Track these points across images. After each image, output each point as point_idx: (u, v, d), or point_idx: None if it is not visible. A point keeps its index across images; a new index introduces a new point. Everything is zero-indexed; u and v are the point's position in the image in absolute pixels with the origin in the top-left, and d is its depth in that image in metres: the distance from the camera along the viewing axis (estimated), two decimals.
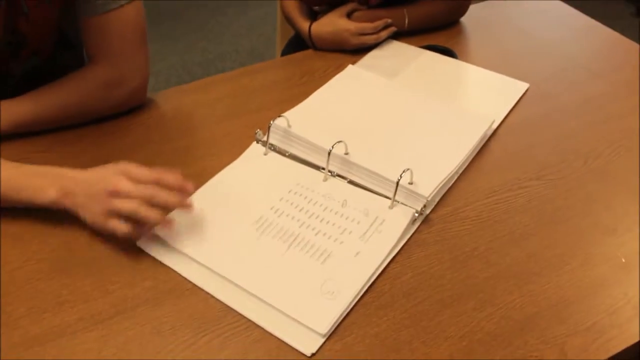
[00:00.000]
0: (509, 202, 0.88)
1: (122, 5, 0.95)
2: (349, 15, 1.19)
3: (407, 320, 0.72)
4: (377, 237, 0.80)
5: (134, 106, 1.04)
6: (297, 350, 0.68)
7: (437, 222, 0.84)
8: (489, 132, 0.99)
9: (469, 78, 1.14)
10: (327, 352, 0.68)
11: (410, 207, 0.83)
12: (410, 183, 0.84)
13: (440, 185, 0.86)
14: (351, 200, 0.85)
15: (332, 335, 0.70)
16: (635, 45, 1.23)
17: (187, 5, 3.00)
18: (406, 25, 1.20)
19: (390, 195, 0.84)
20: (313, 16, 1.26)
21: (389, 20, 1.17)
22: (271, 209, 0.84)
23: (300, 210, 0.84)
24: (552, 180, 0.91)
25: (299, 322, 0.70)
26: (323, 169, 0.90)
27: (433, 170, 0.87)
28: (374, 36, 1.17)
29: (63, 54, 1.09)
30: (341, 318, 0.71)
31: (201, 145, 0.98)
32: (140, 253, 0.79)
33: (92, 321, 0.72)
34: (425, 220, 0.84)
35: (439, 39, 1.22)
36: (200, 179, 0.89)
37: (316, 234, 0.80)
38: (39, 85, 0.98)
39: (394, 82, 1.09)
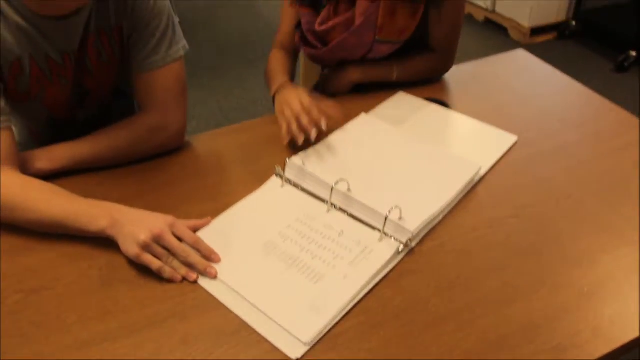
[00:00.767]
0: (489, 237, 0.91)
1: (168, 64, 1.02)
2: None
3: (395, 338, 0.75)
4: (364, 263, 0.83)
5: (173, 148, 1.10)
6: (285, 354, 0.72)
7: (426, 253, 0.88)
8: (477, 178, 1.02)
9: (465, 128, 1.17)
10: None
11: (397, 239, 0.87)
12: (400, 218, 0.87)
13: (427, 221, 0.89)
14: (347, 231, 0.89)
15: (326, 347, 0.73)
16: (604, 100, 1.26)
17: (224, 59, 3.10)
18: (395, 77, 1.25)
19: (381, 228, 0.88)
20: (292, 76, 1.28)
21: (323, 125, 1.03)
22: (279, 234, 0.89)
23: (303, 237, 0.88)
24: (528, 218, 0.94)
25: (289, 331, 0.74)
26: (327, 203, 0.94)
27: (422, 208, 0.90)
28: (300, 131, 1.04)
29: (117, 103, 1.17)
30: (325, 330, 0.75)
31: (228, 182, 1.03)
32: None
33: (129, 330, 0.76)
34: (415, 252, 0.88)
35: (439, 93, 1.26)
36: (226, 210, 0.95)
37: (313, 258, 0.85)
38: (97, 128, 1.05)
39: (399, 130, 1.13)
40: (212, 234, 0.88)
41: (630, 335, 0.75)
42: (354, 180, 0.94)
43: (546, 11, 3.14)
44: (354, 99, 1.23)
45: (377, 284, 0.82)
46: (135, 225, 0.84)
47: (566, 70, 2.43)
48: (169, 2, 1.03)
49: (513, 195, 0.99)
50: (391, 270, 0.84)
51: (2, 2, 0.89)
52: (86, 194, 0.91)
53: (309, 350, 0.73)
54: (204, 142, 1.15)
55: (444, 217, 0.94)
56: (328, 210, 0.94)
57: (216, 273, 0.83)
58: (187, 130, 1.11)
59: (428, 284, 0.83)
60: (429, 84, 1.30)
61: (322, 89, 1.31)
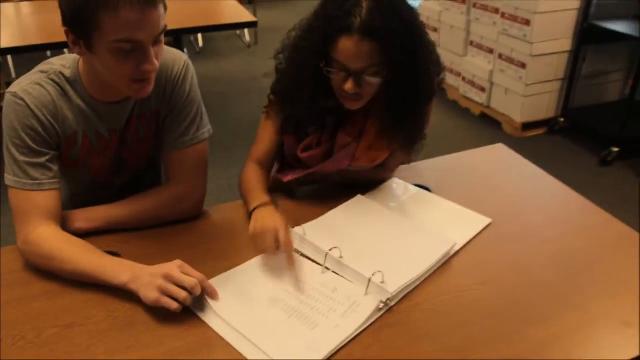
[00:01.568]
0: (458, 300, 1.06)
1: (195, 144, 1.23)
2: None
3: None
4: (353, 316, 0.99)
5: (193, 215, 1.28)
6: None
7: (403, 311, 1.03)
8: (452, 252, 1.19)
9: (445, 210, 1.34)
10: None
11: (379, 299, 1.03)
12: (382, 282, 1.04)
13: (405, 285, 1.06)
14: (339, 289, 1.06)
15: None
16: (568, 190, 1.44)
17: (234, 141, 3.36)
18: (336, 178, 1.36)
19: (365, 289, 1.05)
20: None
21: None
22: (281, 289, 1.05)
23: (302, 293, 1.05)
24: (493, 286, 1.10)
25: None
26: (323, 266, 1.11)
27: (402, 274, 1.07)
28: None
29: (148, 172, 1.36)
30: None
31: (238, 246, 1.20)
32: (185, 315, 1.00)
33: None
34: (394, 309, 1.03)
35: (425, 179, 1.45)
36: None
37: (310, 310, 1.01)
38: (130, 193, 1.23)
39: (388, 209, 1.31)
40: (223, 284, 1.05)
41: None
42: (345, 249, 1.12)
43: (536, 108, 3.41)
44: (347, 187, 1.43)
45: (360, 333, 0.98)
46: (152, 275, 1.00)
47: (554, 163, 2.67)
48: (199, 91, 1.25)
49: (482, 268, 1.16)
50: (372, 323, 1.00)
51: (69, 88, 1.12)
52: (113, 250, 1.09)
53: None
54: (219, 212, 1.33)
55: (421, 283, 1.10)
56: (323, 272, 1.11)
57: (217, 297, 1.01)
58: None
59: (403, 336, 0.98)
60: (416, 170, 1.50)
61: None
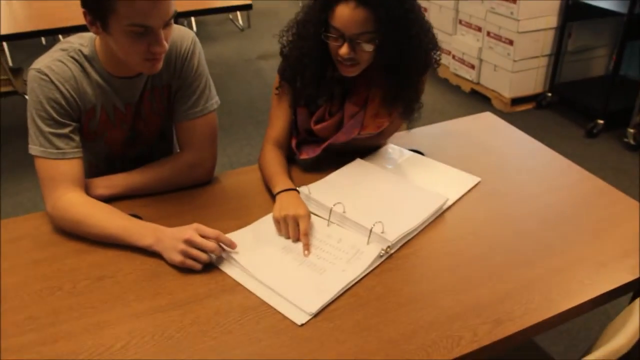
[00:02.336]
0: (452, 247, 1.17)
1: (204, 114, 1.32)
2: None
3: (376, 313, 1.01)
4: (356, 261, 1.11)
5: (205, 181, 1.38)
6: (294, 321, 0.99)
7: (402, 257, 1.14)
8: (445, 206, 1.30)
9: (438, 171, 1.45)
10: (320, 326, 0.98)
11: (380, 247, 1.14)
12: (382, 232, 1.15)
13: (404, 235, 1.17)
14: (344, 239, 1.17)
15: (325, 317, 0.99)
16: (554, 153, 1.55)
17: (234, 121, 3.45)
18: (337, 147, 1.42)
19: (367, 238, 1.16)
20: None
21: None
22: (293, 242, 1.16)
23: (312, 244, 1.16)
24: (482, 236, 1.21)
25: (297, 306, 1.00)
26: (328, 220, 1.22)
27: (400, 225, 1.18)
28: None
29: (160, 144, 1.45)
30: (325, 304, 1.01)
31: (249, 206, 1.30)
32: (205, 265, 1.10)
33: (175, 305, 1.02)
34: (394, 256, 1.14)
35: (418, 144, 1.56)
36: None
37: (318, 258, 1.12)
38: (143, 164, 1.33)
39: (385, 171, 1.42)
40: (239, 239, 1.15)
41: (553, 312, 1.02)
42: (348, 204, 1.22)
43: (525, 84, 3.52)
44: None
45: (363, 277, 1.09)
46: (173, 238, 1.10)
47: (543, 135, 2.78)
48: (206, 65, 1.34)
49: (472, 220, 1.27)
50: (375, 268, 1.11)
51: (87, 64, 1.21)
52: (134, 214, 1.19)
53: (310, 319, 0.99)
54: (228, 177, 1.43)
55: (417, 234, 1.21)
56: (328, 225, 1.21)
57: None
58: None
59: (402, 278, 1.09)
60: (410, 137, 1.60)
61: None
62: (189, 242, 1.08)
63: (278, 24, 1.41)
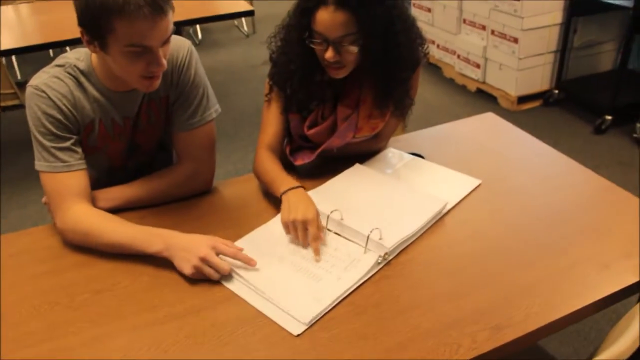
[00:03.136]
0: (451, 252, 1.16)
1: (202, 125, 1.32)
2: None
3: (374, 321, 1.00)
4: (353, 270, 1.10)
5: (204, 191, 1.37)
6: (290, 332, 0.98)
7: (399, 264, 1.13)
8: (444, 211, 1.28)
9: (438, 174, 1.43)
10: (317, 336, 0.97)
11: (378, 253, 1.13)
12: (380, 238, 1.14)
13: (401, 241, 1.15)
14: (340, 248, 1.16)
15: (322, 327, 0.98)
16: (554, 151, 1.53)
17: (238, 127, 3.45)
18: (335, 152, 1.42)
19: (364, 245, 1.15)
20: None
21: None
22: (288, 250, 1.16)
23: (307, 251, 1.15)
24: (482, 239, 1.20)
25: (293, 316, 1.00)
26: (325, 227, 1.21)
27: (398, 231, 1.17)
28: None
29: (159, 155, 1.45)
30: (321, 315, 1.00)
31: (247, 215, 1.29)
32: (203, 277, 1.10)
33: (172, 317, 1.02)
34: (391, 263, 1.13)
35: (418, 147, 1.54)
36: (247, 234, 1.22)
37: (314, 266, 1.11)
38: (143, 174, 1.33)
39: (384, 175, 1.41)
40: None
41: (554, 316, 1.00)
42: (345, 211, 1.22)
43: (531, 81, 3.48)
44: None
45: (361, 285, 1.08)
46: (186, 250, 1.09)
47: (550, 133, 2.74)
48: (204, 74, 1.34)
49: (472, 223, 1.25)
50: (372, 275, 1.10)
51: (83, 79, 1.21)
52: None
53: (307, 329, 0.98)
54: (227, 186, 1.43)
55: (416, 239, 1.20)
56: (325, 233, 1.20)
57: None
58: None
59: (400, 285, 1.08)
60: (410, 140, 1.59)
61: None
62: (205, 260, 1.08)
63: None
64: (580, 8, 3.24)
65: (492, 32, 3.50)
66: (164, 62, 1.13)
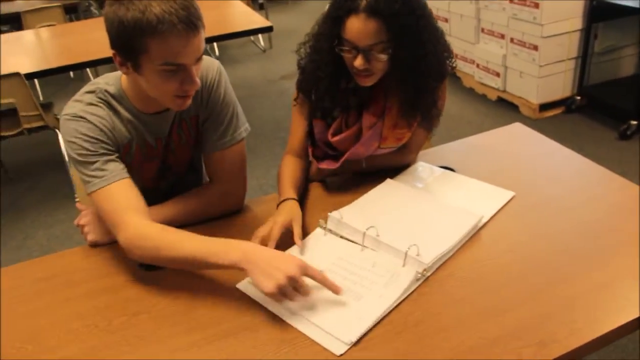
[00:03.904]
0: (488, 267, 1.14)
1: (233, 144, 1.32)
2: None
3: (414, 340, 0.98)
4: (393, 285, 1.08)
5: (236, 210, 1.37)
6: (332, 352, 0.96)
7: (438, 280, 1.12)
8: (480, 224, 1.27)
9: (470, 188, 1.41)
10: (359, 356, 0.95)
11: (416, 270, 1.11)
12: (418, 254, 1.13)
13: (439, 257, 1.14)
14: (378, 263, 1.15)
15: (362, 347, 0.97)
16: (586, 160, 1.50)
17: (261, 142, 3.46)
18: (363, 167, 1.44)
19: (402, 262, 1.13)
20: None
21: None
22: (326, 269, 1.14)
23: (345, 270, 1.14)
24: (520, 253, 1.18)
25: (334, 336, 0.98)
26: (361, 244, 1.20)
27: (435, 247, 1.15)
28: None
29: (190, 175, 1.46)
30: (362, 334, 0.99)
31: (283, 234, 1.28)
32: (239, 297, 1.09)
33: (210, 340, 1.01)
34: (430, 279, 1.12)
35: (448, 161, 1.53)
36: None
37: (354, 284, 1.10)
38: (174, 195, 1.33)
39: (416, 190, 1.40)
40: None
41: (598, 332, 0.98)
42: (381, 227, 1.20)
43: (552, 88, 3.45)
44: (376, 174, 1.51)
45: (400, 303, 1.06)
46: (271, 265, 1.01)
47: (574, 140, 2.71)
48: (233, 93, 1.34)
49: (509, 237, 1.23)
50: (411, 293, 1.09)
51: (115, 103, 1.22)
52: None
53: (348, 349, 0.97)
54: (259, 204, 1.43)
55: (454, 254, 1.18)
56: (362, 250, 1.20)
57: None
58: None
59: (440, 302, 1.06)
60: (439, 154, 1.58)
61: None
62: (292, 280, 1.01)
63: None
64: (600, 13, 3.22)
65: (512, 40, 3.48)
66: (198, 81, 1.13)
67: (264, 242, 1.16)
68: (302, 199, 1.41)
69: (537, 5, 3.18)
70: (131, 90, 1.21)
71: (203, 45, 1.11)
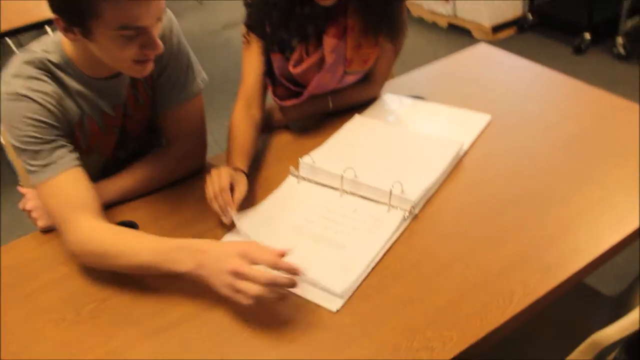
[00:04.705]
0: (479, 194, 1.08)
1: (190, 98, 1.19)
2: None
3: (415, 282, 0.92)
4: (378, 231, 1.01)
5: (198, 169, 1.26)
6: (328, 309, 0.89)
7: (428, 215, 1.05)
8: (461, 152, 1.20)
9: (444, 115, 1.34)
10: (358, 308, 0.88)
11: (403, 209, 1.04)
12: (402, 192, 1.05)
13: (425, 191, 1.07)
14: (360, 209, 1.07)
15: (361, 298, 0.90)
16: (558, 74, 1.45)
17: (210, 96, 3.29)
18: (330, 107, 1.35)
19: (387, 202, 1.05)
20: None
21: None
22: (303, 219, 1.06)
23: (324, 218, 1.06)
24: (509, 176, 1.12)
25: (325, 288, 0.91)
26: (339, 189, 1.12)
27: (419, 181, 1.08)
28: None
29: (149, 137, 1.31)
30: (356, 285, 0.91)
31: (250, 187, 1.16)
32: None
33: (191, 316, 0.92)
34: (419, 216, 1.05)
35: (416, 89, 1.45)
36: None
37: (335, 233, 1.02)
38: (134, 160, 1.20)
39: (388, 124, 1.32)
40: (244, 224, 1.04)
41: (601, 249, 0.94)
42: (358, 168, 1.12)
43: (504, 9, 3.39)
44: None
45: (392, 245, 0.99)
46: (216, 270, 0.88)
47: (529, 59, 2.65)
48: (186, 42, 1.20)
49: (493, 161, 1.17)
50: (402, 233, 1.02)
51: (60, 73, 1.05)
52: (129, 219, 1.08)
53: (345, 303, 0.89)
54: (221, 162, 1.31)
55: (439, 186, 1.12)
56: (341, 195, 1.11)
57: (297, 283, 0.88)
58: None
59: (434, 238, 1.00)
60: (406, 83, 1.49)
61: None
62: (237, 275, 0.86)
63: None
64: None
65: None
66: (161, 44, 0.99)
67: (219, 200, 1.05)
68: (265, 149, 1.31)
69: None
70: (78, 55, 1.05)
71: (163, 2, 0.97)
